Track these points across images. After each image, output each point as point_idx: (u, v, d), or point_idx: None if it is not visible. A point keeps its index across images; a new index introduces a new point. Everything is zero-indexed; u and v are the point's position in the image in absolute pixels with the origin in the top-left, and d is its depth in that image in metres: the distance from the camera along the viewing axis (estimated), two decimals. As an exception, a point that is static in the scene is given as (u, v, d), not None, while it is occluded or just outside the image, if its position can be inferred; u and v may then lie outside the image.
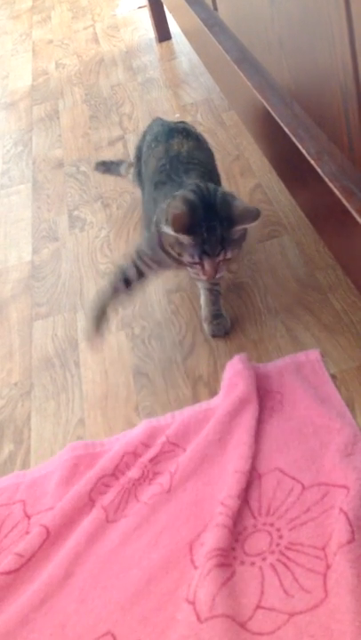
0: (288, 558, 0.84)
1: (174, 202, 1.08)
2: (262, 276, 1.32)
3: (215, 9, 1.39)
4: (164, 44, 2.42)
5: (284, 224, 1.43)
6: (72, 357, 1.28)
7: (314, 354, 1.12)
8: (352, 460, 0.92)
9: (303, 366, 1.11)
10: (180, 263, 1.13)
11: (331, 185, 0.90)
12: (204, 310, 1.24)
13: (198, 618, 0.80)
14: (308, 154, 0.96)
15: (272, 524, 0.89)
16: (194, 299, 1.31)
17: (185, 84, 2.12)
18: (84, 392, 1.21)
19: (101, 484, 1.00)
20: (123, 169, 1.63)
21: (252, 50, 1.19)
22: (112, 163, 1.68)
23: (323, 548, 0.84)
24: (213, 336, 1.22)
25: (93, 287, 1.43)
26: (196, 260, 1.08)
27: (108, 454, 1.05)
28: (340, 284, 1.24)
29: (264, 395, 1.08)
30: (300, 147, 0.98)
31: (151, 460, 1.02)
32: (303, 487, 0.92)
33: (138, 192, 1.60)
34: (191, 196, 1.09)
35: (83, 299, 1.41)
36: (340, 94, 0.81)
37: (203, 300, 1.24)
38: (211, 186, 1.13)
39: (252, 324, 1.23)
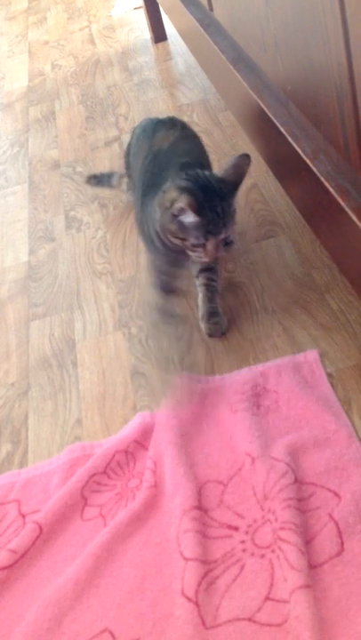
0: (282, 539, 0.85)
1: (170, 194, 1.10)
2: (259, 275, 1.33)
3: (211, 9, 1.39)
4: (160, 44, 2.42)
5: (281, 224, 1.43)
6: (69, 357, 1.29)
7: (312, 354, 1.12)
8: (346, 467, 0.93)
9: (301, 366, 1.11)
10: (182, 253, 1.15)
11: (326, 184, 0.90)
12: (201, 308, 1.25)
13: (204, 623, 0.80)
14: (304, 153, 0.96)
15: (270, 510, 0.90)
16: (190, 299, 1.32)
17: (181, 84, 2.12)
18: (81, 392, 1.21)
19: (93, 482, 1.01)
20: (114, 180, 1.64)
21: (247, 50, 1.20)
22: (103, 175, 1.68)
23: (305, 544, 0.84)
24: (210, 336, 1.23)
25: (90, 287, 1.43)
26: (202, 240, 1.11)
27: (100, 452, 1.05)
28: (337, 283, 1.25)
29: (261, 393, 1.08)
30: (295, 146, 0.99)
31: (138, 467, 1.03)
32: (295, 479, 0.92)
33: (125, 198, 1.61)
34: (185, 183, 1.11)
35: (79, 299, 1.41)
36: (336, 94, 0.81)
37: (200, 297, 1.25)
38: (198, 170, 1.16)
39: (249, 323, 1.24)
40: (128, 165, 1.43)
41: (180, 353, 1.20)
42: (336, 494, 0.89)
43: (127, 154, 1.45)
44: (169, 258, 1.20)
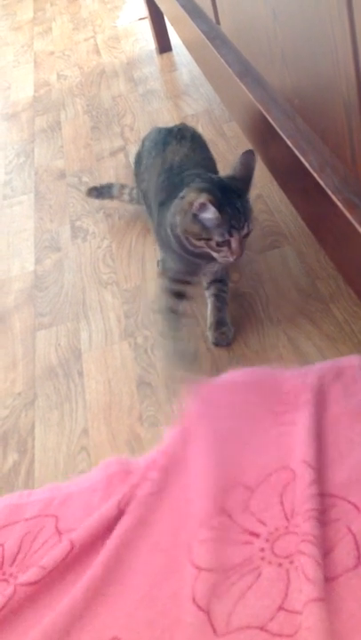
0: (301, 552, 0.85)
1: (188, 197, 1.13)
2: (264, 286, 1.33)
3: (217, 22, 1.40)
4: (165, 55, 2.44)
5: (286, 234, 1.44)
6: (75, 367, 1.29)
7: (357, 359, 1.11)
8: None
9: (344, 371, 1.10)
10: (203, 257, 1.17)
11: (333, 197, 0.91)
12: (209, 317, 1.25)
13: (215, 631, 0.80)
14: (311, 166, 0.97)
15: (297, 525, 0.89)
16: (196, 309, 1.32)
17: (186, 95, 2.14)
18: (87, 402, 1.21)
19: (130, 494, 1.00)
20: (115, 191, 1.65)
21: (254, 63, 1.21)
22: (103, 187, 1.68)
23: (322, 557, 0.84)
24: (216, 345, 1.23)
25: (96, 297, 1.44)
26: (227, 237, 1.13)
27: (138, 469, 1.04)
28: (342, 293, 1.25)
29: (302, 393, 1.07)
30: (302, 159, 0.99)
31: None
32: (320, 490, 0.92)
33: (131, 208, 1.62)
34: (201, 184, 1.15)
35: (85, 308, 1.42)
36: (343, 108, 0.82)
37: (209, 307, 1.26)
38: (210, 174, 1.21)
39: (254, 333, 1.24)
40: (138, 174, 1.44)
41: (187, 358, 1.21)
42: (356, 507, 0.89)
43: (137, 163, 1.45)
44: (187, 265, 1.22)
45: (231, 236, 1.12)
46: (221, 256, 1.15)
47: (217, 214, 1.10)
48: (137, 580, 0.89)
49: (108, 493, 1.02)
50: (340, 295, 1.25)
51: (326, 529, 0.88)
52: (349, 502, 0.90)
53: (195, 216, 1.12)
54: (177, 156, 1.31)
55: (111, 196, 1.66)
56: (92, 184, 1.80)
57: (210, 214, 1.11)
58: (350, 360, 1.11)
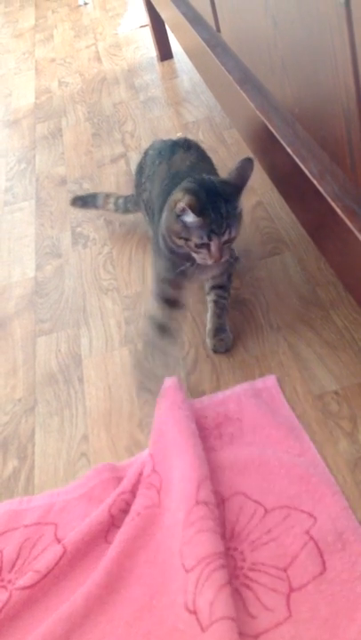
0: (251, 579, 0.85)
1: (175, 195, 1.13)
2: (264, 292, 1.34)
3: (218, 30, 1.41)
4: (166, 62, 2.45)
5: (286, 241, 1.44)
6: (76, 373, 1.29)
7: (271, 380, 1.14)
8: (317, 489, 0.93)
9: (261, 392, 1.12)
10: (186, 257, 1.16)
11: (333, 204, 0.91)
12: (208, 324, 1.26)
13: (201, 628, 0.80)
14: (311, 173, 0.97)
15: (236, 549, 0.90)
16: (196, 316, 1.32)
17: (186, 102, 2.15)
18: (87, 408, 1.22)
19: (121, 500, 1.00)
20: (100, 200, 1.64)
21: (254, 71, 1.21)
22: (87, 196, 1.68)
23: (285, 569, 0.85)
24: (215, 352, 1.23)
25: (96, 303, 1.44)
26: (205, 240, 1.12)
27: (130, 472, 1.05)
28: (342, 300, 1.25)
29: (223, 421, 1.09)
30: (302, 166, 1.00)
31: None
32: (265, 510, 0.93)
33: (131, 215, 1.62)
34: (189, 185, 1.14)
35: (86, 315, 1.42)
36: (343, 116, 0.83)
37: (209, 313, 1.26)
38: (204, 175, 1.20)
39: (254, 340, 1.24)
40: (139, 184, 1.44)
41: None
42: (311, 515, 0.90)
43: (139, 173, 1.45)
44: (173, 264, 1.20)
45: (210, 240, 1.12)
46: (200, 257, 1.15)
47: (196, 218, 1.10)
48: (136, 590, 0.89)
49: (102, 500, 1.03)
50: (341, 302, 1.25)
51: (283, 538, 0.88)
52: (303, 511, 0.91)
53: (177, 215, 1.12)
54: (184, 164, 1.31)
55: (96, 206, 1.66)
56: (92, 191, 1.80)
57: (189, 217, 1.11)
58: (265, 381, 1.14)
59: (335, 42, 0.78)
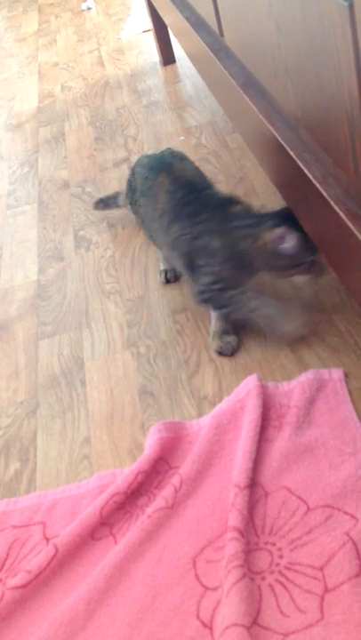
0: (287, 578, 0.85)
1: (264, 237, 1.17)
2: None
3: (221, 35, 1.42)
4: (169, 67, 2.46)
5: (288, 245, 1.44)
6: (78, 376, 1.29)
7: (337, 373, 1.13)
8: None
9: (326, 384, 1.11)
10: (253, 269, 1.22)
11: (336, 208, 0.91)
12: (214, 325, 1.26)
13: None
14: (314, 177, 0.97)
15: (274, 544, 0.89)
16: (199, 319, 1.33)
17: (189, 106, 2.15)
18: (89, 411, 1.22)
19: (113, 502, 1.01)
20: (120, 200, 1.65)
21: (258, 75, 1.22)
22: (109, 197, 1.69)
23: (321, 569, 0.84)
24: (220, 353, 1.23)
25: (99, 306, 1.45)
26: (316, 252, 1.17)
27: (124, 473, 1.05)
28: (345, 305, 1.26)
29: (286, 413, 1.08)
30: (305, 170, 1.00)
31: (157, 486, 1.03)
32: (308, 508, 0.92)
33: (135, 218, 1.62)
34: (270, 221, 1.19)
35: (88, 318, 1.43)
36: (346, 120, 0.83)
37: (213, 315, 1.26)
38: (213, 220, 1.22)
39: (257, 343, 1.24)
40: (133, 202, 1.41)
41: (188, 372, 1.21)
42: (353, 517, 0.89)
43: (131, 191, 1.42)
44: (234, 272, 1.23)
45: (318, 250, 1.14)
46: (313, 276, 1.22)
47: (296, 240, 1.15)
48: (139, 592, 0.89)
49: (93, 499, 1.03)
50: (343, 306, 1.25)
51: (323, 538, 0.88)
52: (346, 513, 0.90)
53: (273, 252, 1.16)
54: (187, 174, 1.32)
55: (118, 206, 1.67)
56: (95, 194, 1.81)
57: (290, 242, 1.15)
58: (331, 373, 1.13)
59: (339, 46, 0.79)
